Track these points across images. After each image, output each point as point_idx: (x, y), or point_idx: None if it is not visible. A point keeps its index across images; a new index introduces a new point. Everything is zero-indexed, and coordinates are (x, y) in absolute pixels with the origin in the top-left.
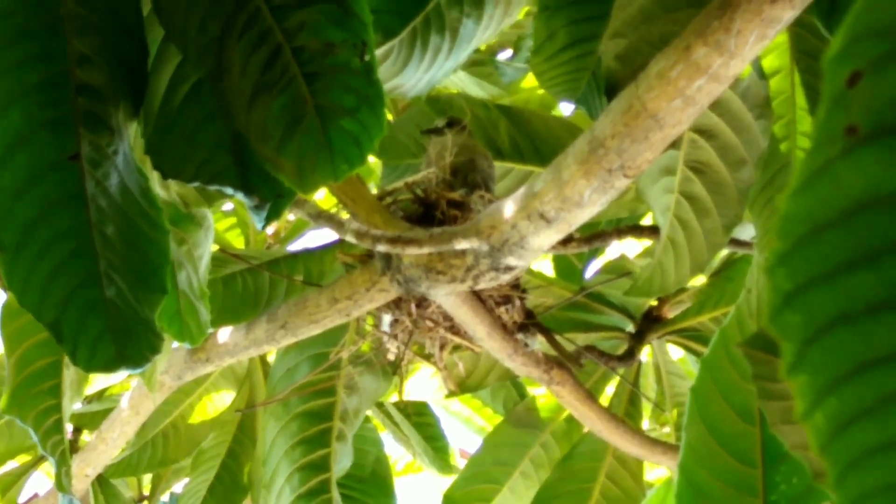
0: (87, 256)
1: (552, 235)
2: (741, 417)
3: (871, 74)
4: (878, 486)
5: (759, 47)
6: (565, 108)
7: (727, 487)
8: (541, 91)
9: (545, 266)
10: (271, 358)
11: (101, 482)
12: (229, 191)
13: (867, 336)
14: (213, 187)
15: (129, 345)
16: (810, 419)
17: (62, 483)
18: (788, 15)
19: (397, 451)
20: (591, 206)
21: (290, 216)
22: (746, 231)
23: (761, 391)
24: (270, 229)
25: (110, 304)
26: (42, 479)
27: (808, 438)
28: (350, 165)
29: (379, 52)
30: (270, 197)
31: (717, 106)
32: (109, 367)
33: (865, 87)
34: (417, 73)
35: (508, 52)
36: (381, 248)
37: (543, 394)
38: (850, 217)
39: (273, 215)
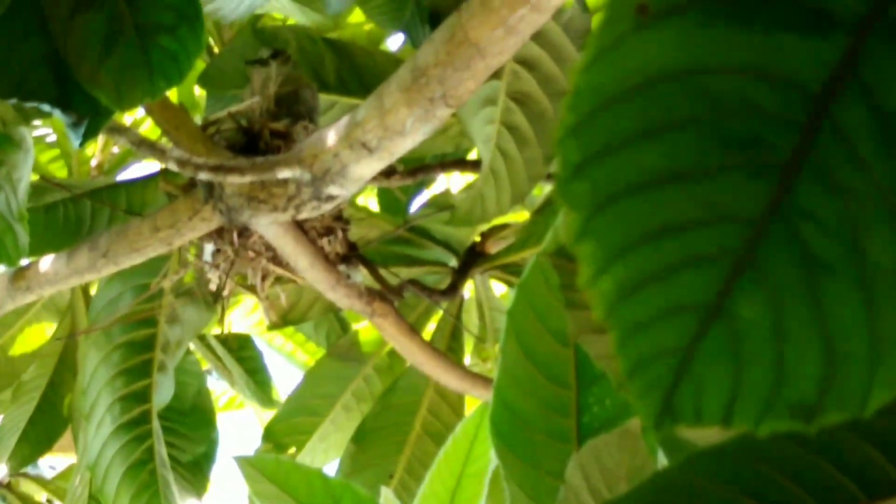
0: None
1: (374, 164)
2: (556, 339)
3: None
4: (659, 350)
5: None
6: (392, 45)
7: (542, 408)
8: (368, 26)
9: (370, 201)
10: (94, 291)
11: None
12: (46, 107)
13: (653, 206)
14: (30, 104)
15: None
16: (596, 285)
17: None
18: None
19: (220, 387)
20: (413, 134)
21: (115, 149)
22: None
23: (568, 301)
24: (94, 161)
25: None
26: None
27: (593, 306)
28: (168, 82)
29: None
30: (88, 114)
31: (539, 37)
32: None
33: None
34: None
35: None
36: (203, 176)
37: (366, 327)
38: (638, 92)
39: (90, 133)
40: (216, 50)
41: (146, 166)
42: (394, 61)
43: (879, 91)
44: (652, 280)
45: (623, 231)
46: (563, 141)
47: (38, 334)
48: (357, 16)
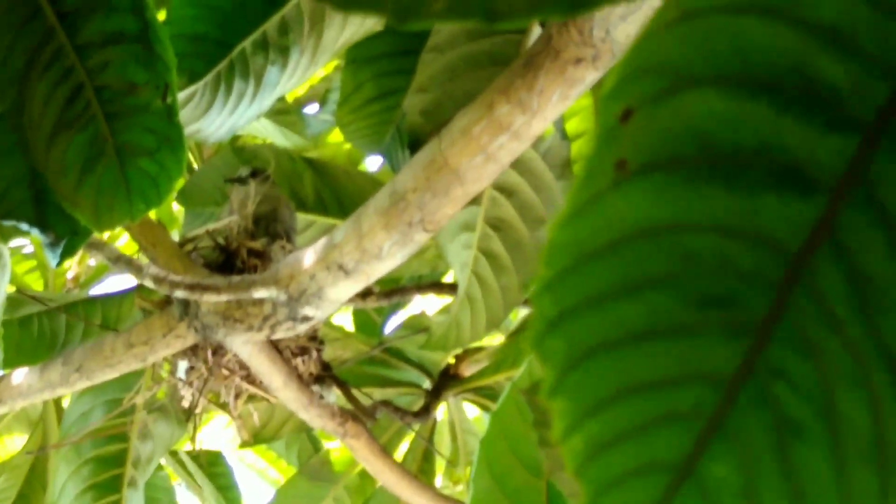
0: None
1: (350, 287)
2: (528, 470)
3: (643, 111)
4: None
5: (561, 107)
6: (371, 165)
7: None
8: (347, 146)
9: (345, 320)
10: (67, 403)
11: None
12: (25, 226)
13: (627, 363)
14: (8, 222)
15: None
16: (568, 442)
17: None
18: (591, 77)
19: (190, 502)
20: (390, 258)
21: (91, 261)
22: None
23: (541, 438)
24: (70, 274)
25: None
26: None
27: (565, 462)
28: (147, 205)
29: (182, 95)
30: (66, 234)
31: (518, 164)
32: None
33: (636, 124)
34: (220, 118)
35: (315, 107)
36: (180, 293)
37: (338, 447)
38: (616, 248)
39: (68, 253)
40: (195, 166)
41: (122, 279)
42: (373, 182)
43: (856, 252)
44: (623, 438)
45: (596, 388)
46: (539, 295)
47: (7, 445)
48: (336, 135)
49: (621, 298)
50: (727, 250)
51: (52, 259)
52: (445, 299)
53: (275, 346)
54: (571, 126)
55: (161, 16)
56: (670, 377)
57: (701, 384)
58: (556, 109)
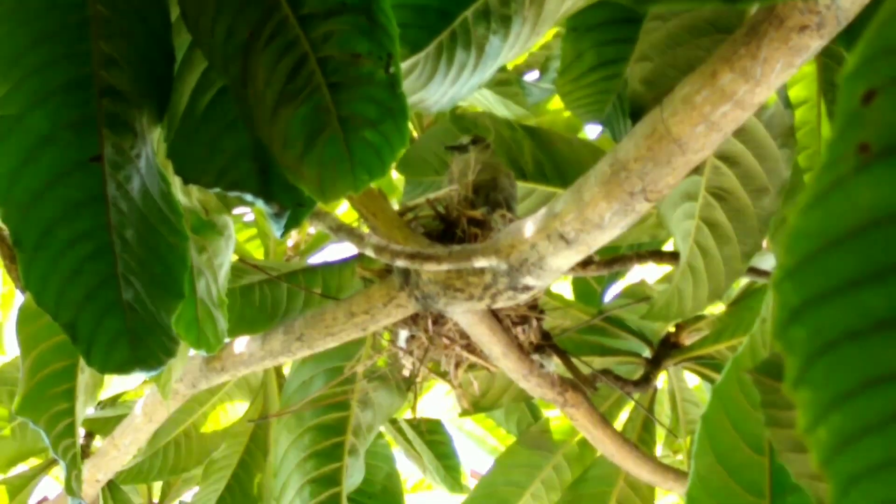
0: (106, 258)
1: (571, 256)
2: (751, 447)
3: (886, 93)
4: (879, 503)
5: (785, 75)
6: (590, 132)
7: None
8: (566, 113)
9: (564, 289)
10: (287, 370)
11: (112, 488)
12: (249, 198)
13: (874, 353)
14: (233, 194)
15: (145, 347)
16: (813, 434)
17: (72, 487)
18: (816, 44)
19: (408, 469)
20: (611, 228)
21: (311, 229)
22: (766, 261)
23: (769, 418)
24: (290, 241)
25: (127, 307)
26: (52, 484)
27: (810, 453)
28: (370, 176)
29: (404, 65)
30: (290, 205)
31: (741, 133)
32: (124, 368)
33: (880, 105)
34: (442, 88)
35: (535, 74)
36: (400, 263)
37: (557, 416)
38: (860, 234)
39: (292, 224)
40: (415, 135)
41: (342, 248)
42: (592, 150)
43: None
44: (870, 430)
45: (841, 379)
46: (781, 283)
47: (229, 412)
48: (555, 102)
49: (866, 286)
50: None
51: (276, 230)
52: (665, 268)
53: (495, 316)
54: (794, 93)
55: None
56: None
57: None
58: (779, 78)
